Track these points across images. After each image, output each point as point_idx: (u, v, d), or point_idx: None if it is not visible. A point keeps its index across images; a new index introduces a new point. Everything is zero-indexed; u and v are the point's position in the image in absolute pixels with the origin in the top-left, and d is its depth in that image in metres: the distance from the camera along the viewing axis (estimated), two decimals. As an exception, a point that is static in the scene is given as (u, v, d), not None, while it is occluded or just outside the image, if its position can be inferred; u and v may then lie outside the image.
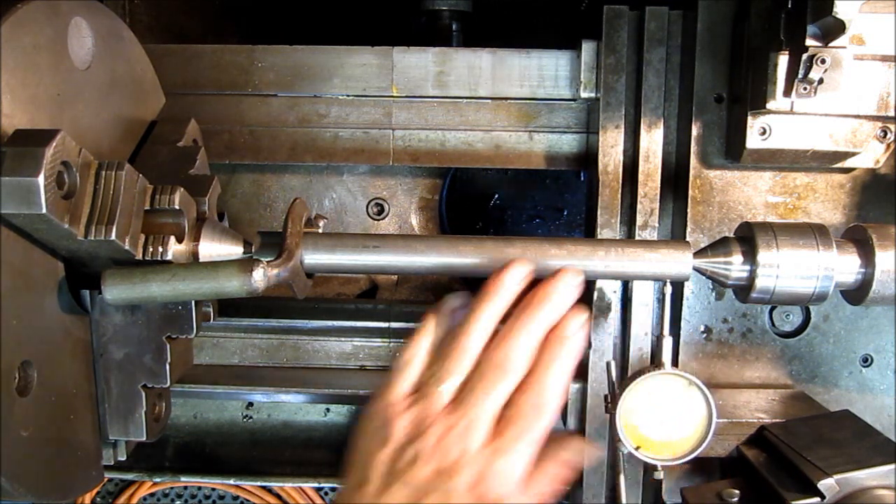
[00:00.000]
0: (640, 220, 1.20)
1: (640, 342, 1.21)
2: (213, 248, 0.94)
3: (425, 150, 1.31)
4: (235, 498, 1.50)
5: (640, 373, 0.97)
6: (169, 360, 0.94)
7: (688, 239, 1.20)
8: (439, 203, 1.50)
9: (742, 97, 1.14)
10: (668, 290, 0.99)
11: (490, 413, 0.77)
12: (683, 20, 1.20)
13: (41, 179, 0.73)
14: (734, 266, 0.97)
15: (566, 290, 0.85)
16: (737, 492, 0.98)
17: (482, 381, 0.79)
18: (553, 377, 0.79)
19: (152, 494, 1.52)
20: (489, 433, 0.76)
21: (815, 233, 0.95)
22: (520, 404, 0.77)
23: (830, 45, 0.97)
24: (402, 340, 1.31)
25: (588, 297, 1.23)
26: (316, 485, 1.39)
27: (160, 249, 0.87)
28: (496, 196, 1.90)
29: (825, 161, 1.16)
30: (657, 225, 1.20)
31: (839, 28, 0.93)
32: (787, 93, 1.03)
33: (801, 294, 0.95)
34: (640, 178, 1.19)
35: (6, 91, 0.78)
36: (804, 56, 0.98)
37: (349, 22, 1.93)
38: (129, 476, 1.42)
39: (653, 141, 1.20)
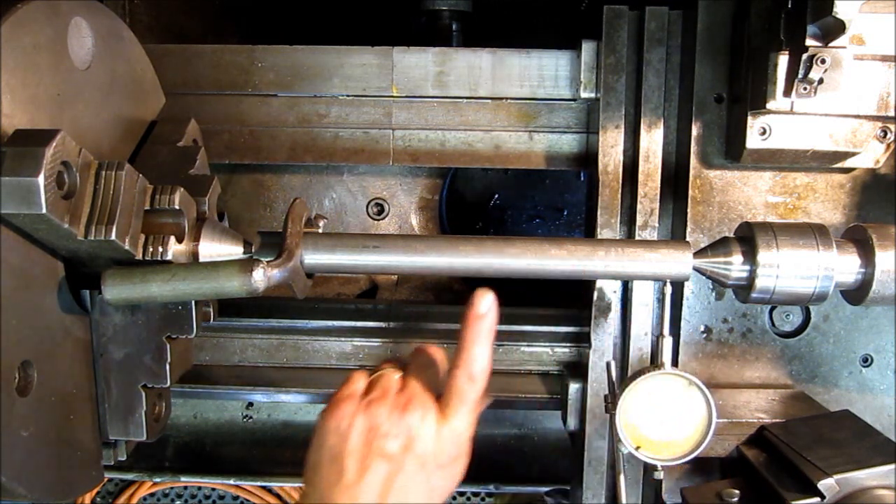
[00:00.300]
0: (640, 220, 1.20)
1: (640, 342, 1.21)
2: (213, 248, 0.94)
3: (425, 150, 1.31)
4: (235, 498, 1.50)
5: (640, 373, 0.97)
6: (169, 360, 0.94)
7: (688, 239, 1.20)
8: (439, 203, 1.51)
9: (742, 97, 1.14)
10: (668, 290, 0.99)
11: (431, 392, 0.90)
12: (683, 20, 1.20)
13: (41, 179, 0.73)
14: (734, 266, 0.97)
15: None
16: (737, 492, 0.98)
17: (413, 373, 0.92)
18: (478, 351, 0.89)
19: (152, 494, 1.52)
20: (438, 407, 0.88)
21: (815, 233, 0.95)
22: (456, 378, 0.89)
23: (830, 45, 0.97)
24: (402, 340, 1.31)
25: (588, 297, 1.23)
26: (316, 485, 1.39)
27: (160, 249, 0.87)
28: (496, 196, 1.90)
29: (825, 161, 1.16)
30: (657, 225, 1.20)
31: (839, 28, 0.93)
32: (787, 93, 1.03)
33: (801, 294, 0.95)
34: (640, 178, 1.19)
35: (6, 91, 0.77)
36: (804, 56, 0.98)
37: (349, 22, 1.93)
38: (129, 476, 1.43)
39: (653, 141, 1.20)
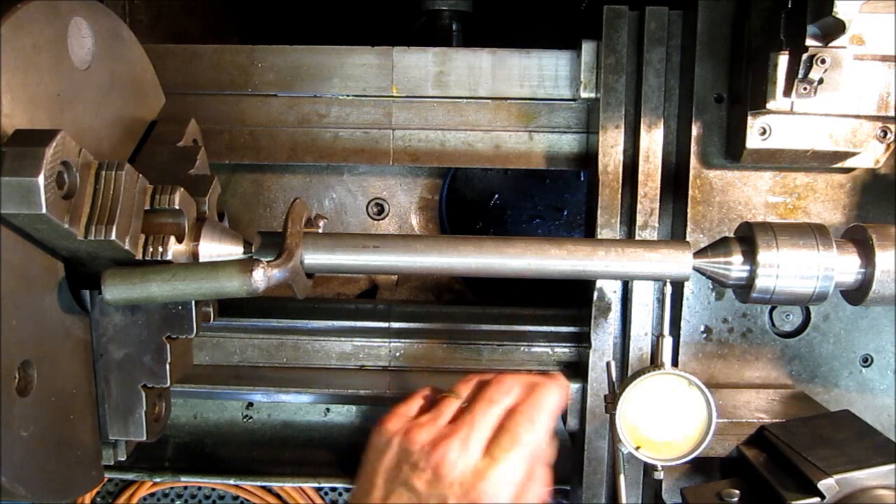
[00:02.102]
0: (640, 220, 1.20)
1: (640, 342, 1.21)
2: (213, 248, 0.94)
3: (425, 150, 1.31)
4: (235, 498, 1.50)
5: (640, 373, 0.97)
6: (169, 360, 0.94)
7: (688, 239, 1.20)
8: (439, 203, 1.50)
9: (742, 97, 1.14)
10: (668, 290, 0.99)
11: (484, 429, 0.84)
12: (683, 20, 1.20)
13: (41, 179, 0.73)
14: (734, 266, 0.97)
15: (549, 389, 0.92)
16: (737, 492, 0.98)
17: (476, 404, 0.87)
18: (542, 401, 0.86)
19: (152, 494, 1.51)
20: (485, 446, 0.82)
21: (815, 233, 0.95)
22: (513, 420, 0.84)
23: (830, 45, 0.97)
24: (402, 340, 1.31)
25: (588, 297, 1.23)
26: (316, 485, 1.39)
27: (160, 249, 0.87)
28: (496, 196, 1.90)
29: (825, 161, 1.16)
30: (657, 225, 1.20)
31: (839, 28, 0.93)
32: (787, 93, 1.03)
33: (801, 294, 0.95)
34: (640, 178, 1.19)
35: (6, 91, 0.77)
36: (804, 56, 0.98)
37: (349, 22, 1.93)
38: (129, 476, 1.42)
39: (653, 141, 1.20)
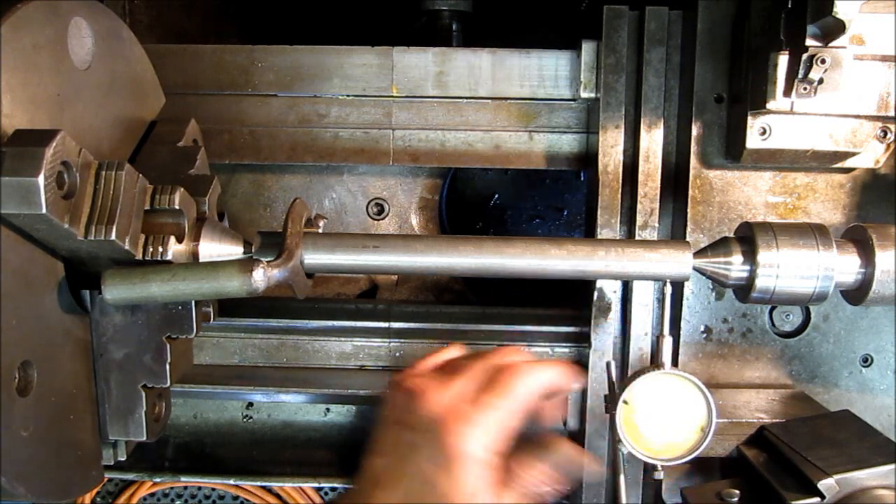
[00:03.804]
0: (640, 220, 1.20)
1: (640, 342, 1.21)
2: (213, 248, 0.94)
3: (425, 150, 1.31)
4: (235, 498, 1.50)
5: (640, 373, 0.97)
6: (169, 360, 0.94)
7: (688, 239, 1.20)
8: (439, 203, 1.50)
9: (742, 97, 1.14)
10: (668, 290, 0.99)
11: (475, 378, 0.86)
12: (683, 20, 1.20)
13: (41, 179, 0.73)
14: (734, 266, 0.97)
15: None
16: (737, 492, 0.98)
17: (465, 366, 0.89)
18: (538, 368, 0.86)
19: (152, 494, 1.51)
20: (474, 393, 0.85)
21: (815, 233, 0.96)
22: (507, 374, 0.86)
23: (830, 45, 0.97)
24: (402, 340, 1.31)
25: (588, 298, 1.23)
26: (316, 485, 1.39)
27: (160, 249, 0.87)
28: (496, 196, 1.90)
29: (825, 161, 1.16)
30: (657, 225, 1.20)
31: (839, 28, 0.93)
32: (787, 93, 1.03)
33: (801, 294, 0.95)
34: (640, 178, 1.19)
35: (6, 91, 0.77)
36: (804, 56, 0.98)
37: (349, 22, 1.93)
38: (129, 476, 1.42)
39: (653, 141, 1.20)
